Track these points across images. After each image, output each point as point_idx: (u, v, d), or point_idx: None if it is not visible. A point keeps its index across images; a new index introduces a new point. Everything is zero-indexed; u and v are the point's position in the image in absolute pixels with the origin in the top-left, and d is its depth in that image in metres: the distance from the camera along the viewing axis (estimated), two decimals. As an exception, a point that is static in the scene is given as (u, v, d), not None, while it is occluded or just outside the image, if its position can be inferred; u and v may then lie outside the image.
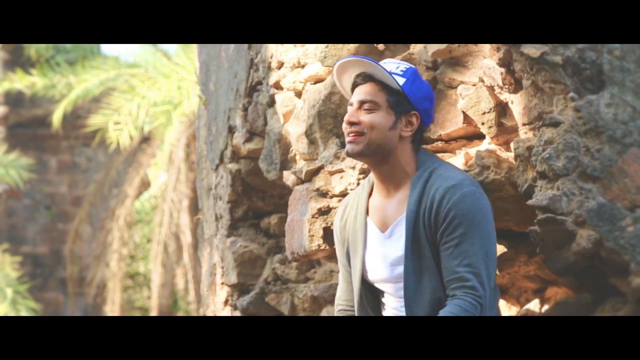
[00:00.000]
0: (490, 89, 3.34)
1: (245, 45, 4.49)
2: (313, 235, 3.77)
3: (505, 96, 3.31)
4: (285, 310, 4.58)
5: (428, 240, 3.11)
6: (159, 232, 13.06)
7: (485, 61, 3.32)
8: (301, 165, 3.96)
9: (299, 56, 3.99)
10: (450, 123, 3.50)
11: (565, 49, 3.00)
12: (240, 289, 4.76)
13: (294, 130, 4.02)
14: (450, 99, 3.50)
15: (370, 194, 3.31)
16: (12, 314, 13.79)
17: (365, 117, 3.18)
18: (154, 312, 13.69)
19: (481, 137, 3.49)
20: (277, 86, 4.18)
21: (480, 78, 3.37)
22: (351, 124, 3.18)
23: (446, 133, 3.51)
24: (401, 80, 3.18)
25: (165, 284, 13.84)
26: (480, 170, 3.36)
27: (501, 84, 3.26)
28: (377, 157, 3.19)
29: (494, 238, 3.13)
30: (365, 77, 3.23)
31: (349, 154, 3.21)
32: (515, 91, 3.25)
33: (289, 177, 4.10)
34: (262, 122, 4.39)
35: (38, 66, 14.70)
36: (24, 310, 14.04)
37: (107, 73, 13.62)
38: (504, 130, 3.38)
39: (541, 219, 3.07)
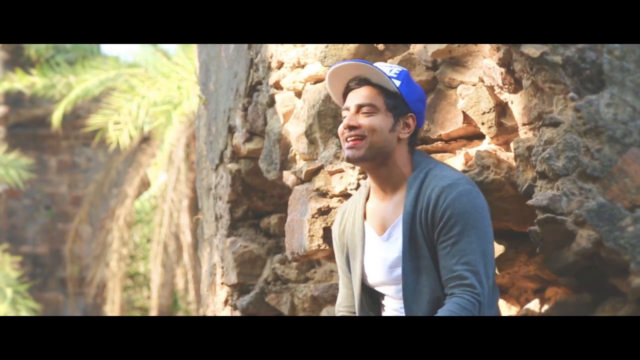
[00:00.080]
0: (490, 89, 3.34)
1: (245, 45, 4.49)
2: (313, 235, 3.78)
3: (505, 96, 3.31)
4: (285, 310, 4.58)
5: (425, 240, 3.12)
6: (159, 232, 13.06)
7: (485, 61, 3.32)
8: (301, 165, 3.96)
9: (298, 56, 3.99)
10: (450, 123, 3.50)
11: (565, 49, 3.00)
12: (240, 289, 4.76)
13: (294, 130, 4.02)
14: (450, 99, 3.50)
15: (367, 199, 3.31)
16: (12, 314, 13.79)
17: (364, 121, 3.18)
18: (153, 312, 13.69)
19: (481, 137, 3.49)
20: (277, 86, 4.18)
21: (480, 78, 3.37)
22: (351, 127, 3.18)
23: (446, 133, 3.51)
24: (397, 83, 3.20)
25: (165, 284, 13.84)
26: (480, 170, 3.36)
27: (501, 84, 3.26)
28: (377, 160, 3.19)
29: (491, 236, 3.13)
30: (360, 81, 3.23)
31: (350, 160, 3.20)
32: (515, 91, 3.25)
33: (288, 177, 4.10)
34: (262, 122, 4.39)
35: (38, 66, 14.70)
36: (23, 310, 14.05)
37: (107, 73, 13.62)
38: (504, 130, 3.38)
39: (541, 219, 3.07)
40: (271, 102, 4.28)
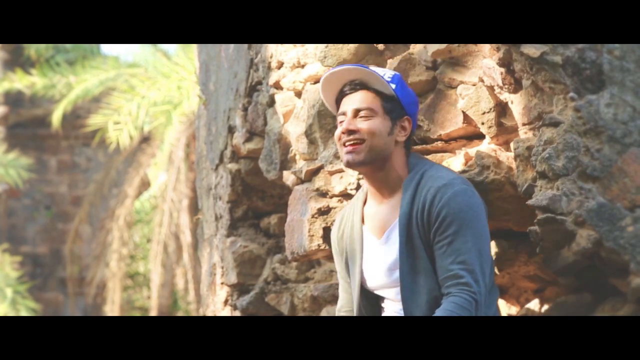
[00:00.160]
0: (490, 88, 3.34)
1: (245, 45, 4.49)
2: (313, 235, 3.78)
3: (505, 96, 3.31)
4: (285, 310, 4.59)
5: (422, 241, 3.12)
6: (159, 232, 13.06)
7: (485, 61, 3.32)
8: (301, 165, 3.96)
9: (298, 56, 3.99)
10: (450, 123, 3.50)
11: (565, 49, 3.00)
12: (240, 288, 4.76)
13: (294, 130, 4.02)
14: (450, 99, 3.50)
15: (365, 203, 3.32)
16: (11, 314, 13.79)
17: (363, 125, 3.18)
18: (153, 312, 13.69)
19: (481, 137, 3.49)
20: (277, 86, 4.18)
21: (480, 78, 3.37)
22: (350, 132, 3.18)
23: (446, 133, 3.51)
24: (392, 86, 3.21)
25: (165, 284, 13.84)
26: (480, 170, 3.36)
27: (501, 84, 3.26)
28: (376, 164, 3.20)
29: (487, 235, 3.14)
30: (355, 85, 3.23)
31: (349, 164, 3.20)
32: (515, 91, 3.25)
33: (288, 177, 4.10)
34: (262, 122, 4.39)
35: (38, 66, 14.70)
36: (23, 310, 14.05)
37: (106, 73, 13.63)
38: (504, 130, 3.38)
39: (541, 219, 3.07)
40: (271, 102, 4.28)
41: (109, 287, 14.09)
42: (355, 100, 3.22)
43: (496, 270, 3.66)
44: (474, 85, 3.42)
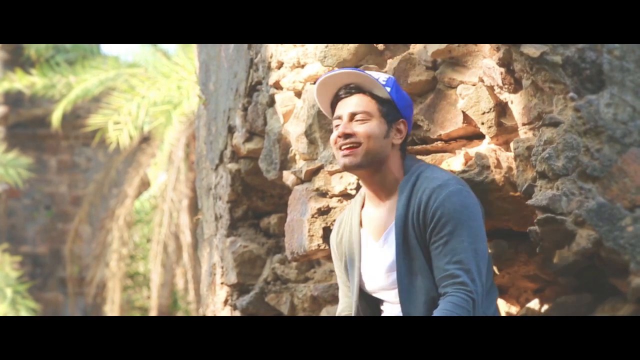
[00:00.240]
0: (490, 88, 3.34)
1: (245, 45, 4.49)
2: (313, 235, 3.78)
3: (505, 96, 3.31)
4: (284, 310, 4.59)
5: (418, 242, 3.13)
6: (159, 232, 13.06)
7: (485, 61, 3.32)
8: (301, 165, 3.96)
9: (298, 56, 3.99)
10: (450, 123, 3.50)
11: (565, 49, 3.00)
12: (239, 288, 4.76)
13: (294, 130, 4.02)
14: (450, 99, 3.50)
15: (363, 207, 3.33)
16: (11, 313, 13.79)
17: (359, 128, 3.19)
18: (153, 312, 13.69)
19: (481, 137, 3.49)
20: (277, 86, 4.18)
21: (480, 78, 3.37)
22: (346, 135, 3.19)
23: (446, 133, 3.51)
24: (387, 89, 3.21)
25: (165, 283, 13.84)
26: (480, 170, 3.36)
27: (501, 84, 3.26)
28: (372, 167, 3.22)
29: (483, 235, 3.14)
30: (351, 89, 3.24)
31: (346, 168, 3.22)
32: (515, 91, 3.25)
33: (288, 177, 4.10)
34: (261, 122, 4.39)
35: (38, 66, 14.69)
36: (23, 310, 14.05)
37: (106, 73, 13.62)
38: (504, 130, 3.38)
39: (541, 218, 3.07)
40: (271, 102, 4.28)
41: (108, 287, 14.09)
42: (351, 104, 3.23)
43: (496, 270, 3.66)
44: (473, 85, 3.42)
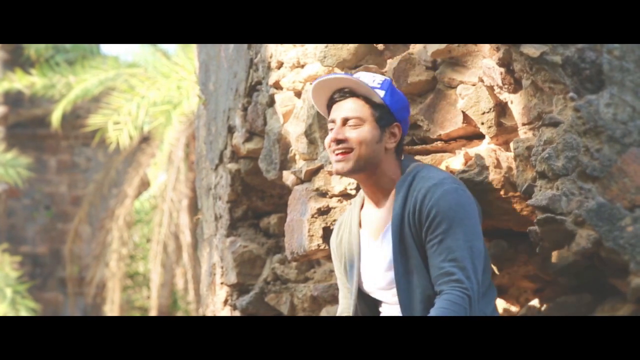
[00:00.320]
0: (490, 88, 3.34)
1: (245, 45, 4.49)
2: (312, 235, 3.78)
3: (504, 96, 3.31)
4: (284, 310, 4.58)
5: (415, 241, 3.14)
6: (159, 232, 13.06)
7: (485, 61, 3.32)
8: (301, 165, 3.96)
9: (298, 56, 3.99)
10: (449, 123, 3.50)
11: (565, 49, 3.00)
12: (239, 288, 4.76)
13: (294, 130, 4.02)
14: (449, 99, 3.50)
15: (362, 207, 3.34)
16: (11, 313, 13.79)
17: (351, 134, 3.20)
18: (153, 312, 13.69)
19: (481, 137, 3.49)
20: (277, 86, 4.18)
21: (479, 78, 3.37)
22: (338, 141, 3.20)
23: (446, 133, 3.51)
24: (381, 93, 3.21)
25: (165, 283, 13.84)
26: (479, 170, 3.36)
27: (501, 84, 3.26)
28: (366, 172, 3.23)
29: (479, 233, 3.15)
30: (345, 93, 3.24)
31: (338, 173, 3.25)
32: (514, 91, 3.25)
33: (288, 177, 4.10)
34: (261, 122, 4.39)
35: (37, 66, 14.69)
36: (23, 310, 14.05)
37: (106, 73, 13.63)
38: (504, 130, 3.38)
39: (541, 218, 3.07)
40: (271, 102, 4.28)
41: (108, 287, 14.09)
42: (344, 108, 3.23)
43: (496, 270, 3.66)
44: (473, 85, 3.42)
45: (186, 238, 12.85)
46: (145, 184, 14.07)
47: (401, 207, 3.17)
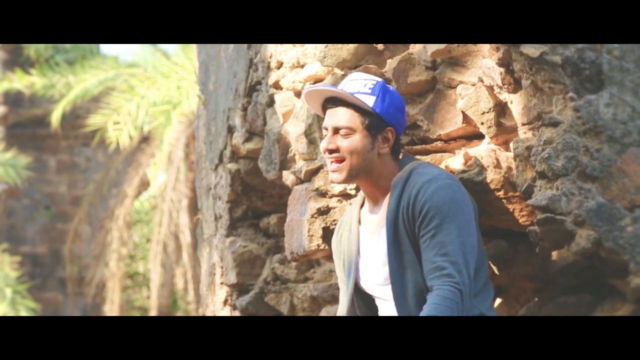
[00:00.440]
0: (490, 88, 3.34)
1: (245, 45, 4.49)
2: (312, 235, 3.78)
3: (504, 96, 3.31)
4: (284, 310, 4.59)
5: (408, 236, 3.16)
6: (158, 232, 13.06)
7: (485, 61, 3.32)
8: (300, 165, 3.96)
9: (298, 56, 3.99)
10: (449, 123, 3.50)
11: (565, 49, 3.00)
12: (239, 288, 4.76)
13: (294, 130, 4.03)
14: (449, 99, 3.50)
15: (362, 206, 3.37)
16: (11, 313, 13.79)
17: (343, 143, 3.22)
18: (153, 312, 13.69)
19: (480, 137, 3.49)
20: (277, 86, 4.18)
21: (479, 78, 3.37)
22: (330, 151, 3.22)
23: (445, 133, 3.51)
24: (371, 100, 3.21)
25: (165, 283, 13.84)
26: (479, 170, 3.36)
27: (500, 84, 3.26)
28: (360, 178, 3.26)
29: (473, 229, 3.15)
30: (336, 102, 3.24)
31: (333, 182, 3.29)
32: (514, 91, 3.25)
33: (288, 177, 4.10)
34: (261, 122, 4.39)
35: (37, 66, 14.70)
36: (23, 310, 14.06)
37: (106, 73, 13.63)
38: (504, 130, 3.38)
39: (540, 218, 3.07)
40: (270, 102, 4.28)
41: (108, 287, 14.09)
42: (335, 117, 3.24)
43: (496, 270, 3.66)
44: (473, 85, 3.42)
45: (186, 238, 12.85)
46: (145, 184, 14.07)
47: (396, 202, 3.19)
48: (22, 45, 15.37)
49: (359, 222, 3.36)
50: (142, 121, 12.70)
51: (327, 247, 3.76)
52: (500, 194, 3.37)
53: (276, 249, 4.72)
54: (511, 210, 3.39)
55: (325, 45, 3.74)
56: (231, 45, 4.72)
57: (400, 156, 3.32)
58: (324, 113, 3.30)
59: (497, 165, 3.37)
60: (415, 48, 3.56)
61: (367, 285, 3.32)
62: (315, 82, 3.91)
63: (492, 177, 3.35)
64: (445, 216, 3.10)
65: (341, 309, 3.45)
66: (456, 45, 3.40)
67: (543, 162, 3.05)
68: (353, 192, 3.69)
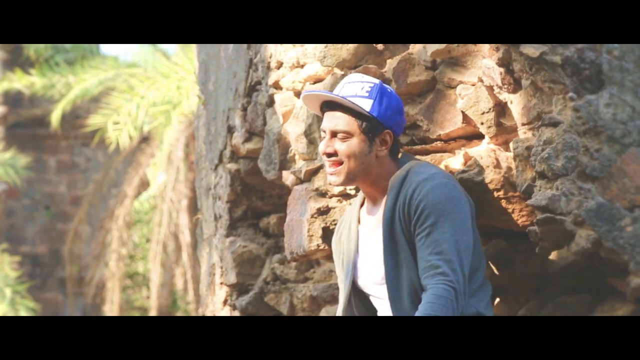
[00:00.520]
0: (490, 88, 3.34)
1: (245, 45, 4.49)
2: (312, 235, 3.78)
3: (504, 96, 3.31)
4: (284, 310, 4.59)
5: (404, 234, 3.17)
6: (158, 232, 13.06)
7: (485, 61, 3.32)
8: (300, 165, 3.96)
9: (298, 56, 3.99)
10: (449, 123, 3.50)
11: (565, 49, 3.00)
12: (239, 288, 4.76)
13: (293, 130, 4.03)
14: (449, 99, 3.50)
15: (362, 206, 3.38)
16: (11, 313, 13.79)
17: (340, 147, 3.22)
18: (153, 312, 13.69)
19: (480, 137, 3.49)
20: (277, 86, 4.18)
21: (479, 78, 3.37)
22: (328, 155, 3.22)
23: (445, 133, 3.51)
24: (369, 104, 3.20)
25: (164, 283, 13.84)
26: (479, 170, 3.36)
27: (500, 84, 3.26)
28: (358, 180, 3.27)
29: (468, 227, 3.16)
30: (333, 105, 3.25)
31: (332, 184, 3.31)
32: (514, 91, 3.25)
33: (288, 177, 4.10)
34: (261, 122, 4.39)
35: (37, 66, 14.69)
36: (23, 310, 14.06)
37: (106, 73, 13.63)
38: (503, 130, 3.38)
39: (540, 218, 3.07)
40: (270, 102, 4.28)
41: (108, 287, 14.09)
42: (333, 120, 3.24)
43: (496, 270, 3.66)
44: (473, 85, 3.42)
45: (186, 238, 12.85)
46: (144, 184, 14.07)
47: (393, 201, 3.19)
48: (22, 45, 15.37)
49: (359, 222, 3.36)
50: (142, 121, 12.70)
51: (326, 247, 3.76)
52: (500, 194, 3.37)
53: (276, 249, 4.72)
54: (511, 210, 3.39)
55: (325, 45, 3.74)
56: (231, 45, 4.72)
57: (399, 155, 3.32)
58: (322, 114, 3.31)
59: (497, 165, 3.37)
60: (415, 48, 3.56)
61: (364, 284, 3.33)
62: (315, 82, 3.92)
63: (492, 177, 3.35)
64: (440, 215, 3.11)
65: (340, 311, 3.45)
66: (456, 45, 3.40)
67: (543, 162, 3.05)
68: (353, 192, 3.69)
